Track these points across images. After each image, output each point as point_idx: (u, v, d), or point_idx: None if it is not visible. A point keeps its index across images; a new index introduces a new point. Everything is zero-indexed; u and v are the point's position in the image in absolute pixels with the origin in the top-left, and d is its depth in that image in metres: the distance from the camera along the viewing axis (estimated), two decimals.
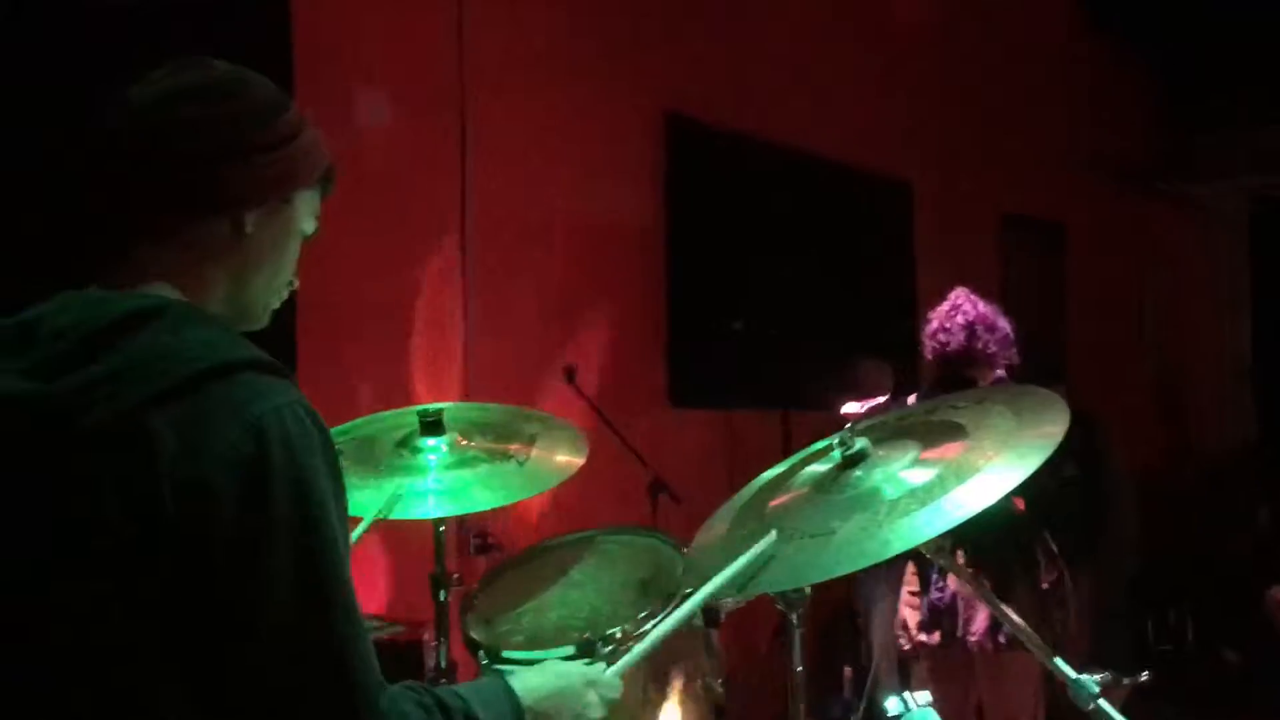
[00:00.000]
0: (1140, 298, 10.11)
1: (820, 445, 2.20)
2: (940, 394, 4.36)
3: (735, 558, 2.04)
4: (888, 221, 7.64)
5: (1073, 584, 6.47)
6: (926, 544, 2.07)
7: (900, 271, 7.52)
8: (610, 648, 2.17)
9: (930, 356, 4.48)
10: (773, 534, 1.97)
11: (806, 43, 7.00)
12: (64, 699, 1.44)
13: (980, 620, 4.11)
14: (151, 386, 1.45)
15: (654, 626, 2.01)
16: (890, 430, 2.20)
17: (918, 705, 1.68)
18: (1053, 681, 4.42)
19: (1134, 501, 7.69)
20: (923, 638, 4.26)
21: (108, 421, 1.43)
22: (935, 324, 4.46)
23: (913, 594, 4.34)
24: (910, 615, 4.33)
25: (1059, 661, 1.91)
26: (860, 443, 2.09)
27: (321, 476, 1.48)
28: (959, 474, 1.94)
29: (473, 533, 4.89)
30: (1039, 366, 7.63)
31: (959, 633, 4.14)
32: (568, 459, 2.47)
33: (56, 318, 1.53)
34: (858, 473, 2.07)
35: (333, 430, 2.52)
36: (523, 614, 2.32)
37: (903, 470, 2.03)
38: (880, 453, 2.10)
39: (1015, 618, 2.02)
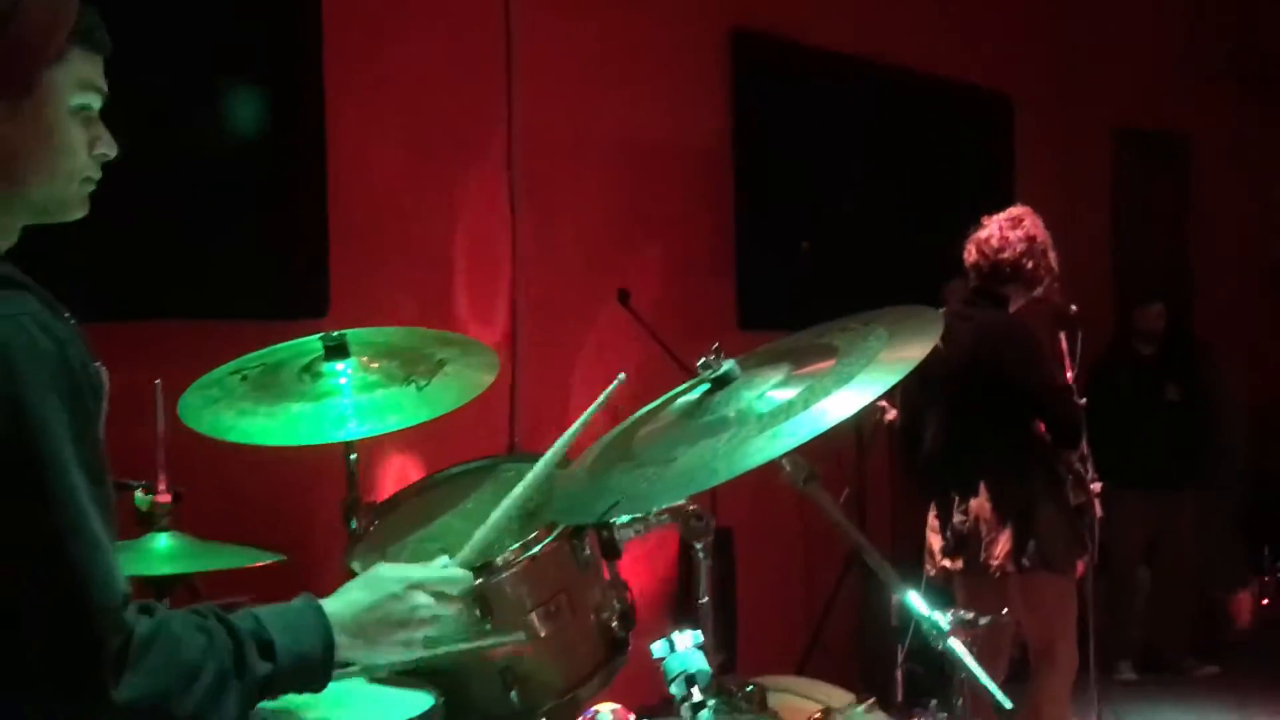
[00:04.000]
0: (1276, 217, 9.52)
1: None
2: (969, 309, 4.23)
3: (598, 490, 1.96)
4: (983, 137, 7.30)
5: (1179, 507, 6.28)
6: (795, 470, 1.95)
7: (997, 190, 7.18)
8: (480, 578, 2.10)
9: (971, 264, 4.29)
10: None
11: None
12: None
13: (1001, 544, 3.98)
14: None
15: (500, 520, 1.91)
16: (775, 354, 2.06)
17: (686, 647, 1.56)
18: (1089, 602, 4.28)
19: (1244, 427, 7.31)
20: (946, 563, 4.15)
21: None
22: (991, 230, 4.26)
23: (936, 518, 4.22)
24: (934, 540, 4.21)
25: (913, 596, 1.77)
26: (727, 365, 1.96)
27: (47, 395, 1.42)
28: (807, 398, 1.80)
29: None
30: (1140, 286, 7.32)
31: (982, 557, 4.02)
32: (474, 382, 2.39)
33: None
34: (718, 397, 1.94)
35: (241, 359, 2.51)
36: (409, 545, 2.25)
37: (767, 392, 1.90)
38: (750, 375, 1.97)
39: (868, 545, 1.88)
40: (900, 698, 4.86)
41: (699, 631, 1.60)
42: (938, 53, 6.84)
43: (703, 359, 1.97)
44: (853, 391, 1.78)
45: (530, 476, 1.90)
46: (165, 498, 2.30)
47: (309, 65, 4.42)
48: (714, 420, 1.89)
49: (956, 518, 4.11)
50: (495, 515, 1.88)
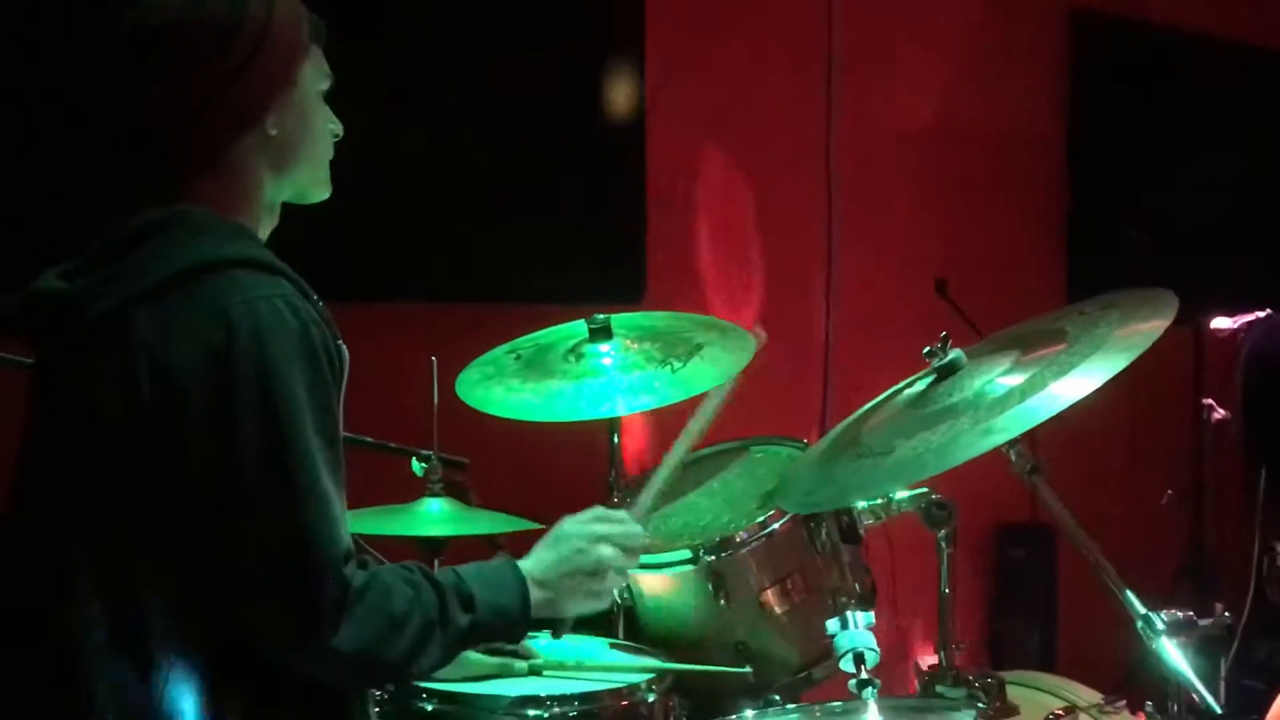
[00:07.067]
0: None
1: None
2: None
3: (826, 479, 1.99)
4: None
5: None
6: (1019, 461, 1.91)
7: None
8: (714, 555, 2.17)
9: None
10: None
11: None
12: (78, 559, 1.63)
13: None
14: (138, 285, 1.62)
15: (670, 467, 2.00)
16: (1006, 340, 2.03)
17: (858, 626, 1.56)
18: None
19: None
20: None
21: (102, 315, 1.63)
22: None
23: None
24: None
25: (1130, 596, 1.72)
26: (954, 353, 1.95)
27: (291, 365, 1.58)
28: (1025, 390, 1.77)
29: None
30: None
31: None
32: (729, 366, 2.45)
33: (104, 232, 1.72)
34: (944, 386, 1.93)
35: (516, 340, 2.65)
36: (657, 518, 2.33)
37: (995, 379, 1.87)
38: (976, 363, 1.95)
39: (1088, 542, 1.82)
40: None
41: (871, 613, 1.62)
42: None
43: (928, 348, 1.96)
44: (1073, 380, 1.73)
45: (683, 437, 2.01)
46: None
47: (631, 52, 4.50)
48: (934, 411, 1.88)
49: None
50: (659, 474, 1.97)
